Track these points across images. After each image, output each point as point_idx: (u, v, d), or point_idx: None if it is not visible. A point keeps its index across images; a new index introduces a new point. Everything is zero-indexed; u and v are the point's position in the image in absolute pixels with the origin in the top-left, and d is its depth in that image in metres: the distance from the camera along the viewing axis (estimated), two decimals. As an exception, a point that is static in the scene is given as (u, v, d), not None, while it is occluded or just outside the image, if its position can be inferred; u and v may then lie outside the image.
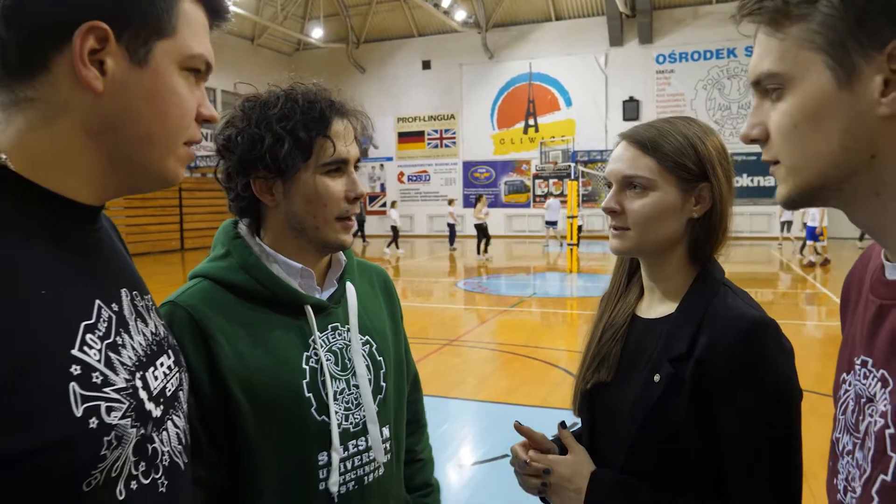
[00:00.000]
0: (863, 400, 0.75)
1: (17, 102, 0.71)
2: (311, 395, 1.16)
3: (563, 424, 1.28)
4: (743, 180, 21.09)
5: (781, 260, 15.57)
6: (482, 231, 16.77)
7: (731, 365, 1.05)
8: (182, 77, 0.77)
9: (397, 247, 18.88)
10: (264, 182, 1.17)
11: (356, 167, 1.22)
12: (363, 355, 1.25)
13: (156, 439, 0.77)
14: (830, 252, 14.55)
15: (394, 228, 19.03)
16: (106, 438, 0.67)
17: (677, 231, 1.17)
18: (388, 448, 1.27)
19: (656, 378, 1.11)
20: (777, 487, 1.04)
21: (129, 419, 0.71)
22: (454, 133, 25.15)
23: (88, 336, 0.69)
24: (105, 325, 0.73)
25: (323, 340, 1.20)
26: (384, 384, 1.28)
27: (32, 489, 0.62)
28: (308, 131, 1.13)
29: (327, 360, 1.19)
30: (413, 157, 25.77)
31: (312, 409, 1.16)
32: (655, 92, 22.40)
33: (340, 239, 1.20)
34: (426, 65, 25.30)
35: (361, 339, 1.26)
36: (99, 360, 0.70)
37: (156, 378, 0.80)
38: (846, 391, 0.80)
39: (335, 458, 1.16)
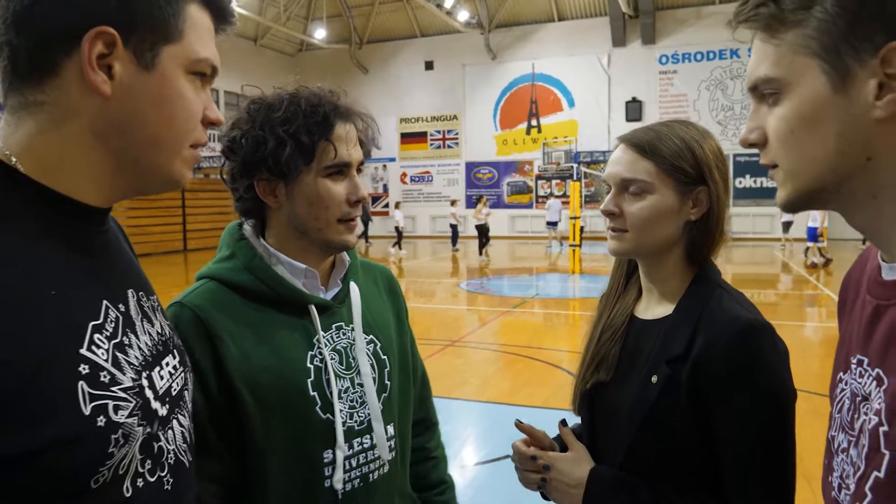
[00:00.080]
0: (858, 398, 0.75)
1: (27, 106, 0.73)
2: (315, 393, 1.18)
3: (563, 422, 1.30)
4: (746, 181, 21.09)
5: (784, 261, 15.55)
6: (482, 232, 16.81)
7: (727, 367, 1.06)
8: (188, 81, 0.79)
9: (400, 247, 18.90)
10: (267, 184, 1.18)
11: (359, 170, 1.24)
12: (367, 354, 1.26)
13: (161, 438, 0.78)
14: (833, 253, 14.53)
15: (397, 229, 19.05)
16: (113, 436, 0.69)
17: (675, 233, 1.18)
18: (393, 446, 1.28)
19: (654, 379, 1.13)
20: (771, 486, 1.06)
21: (136, 418, 0.72)
22: (457, 134, 25.16)
23: (96, 336, 0.71)
24: (112, 325, 0.74)
25: (327, 339, 1.22)
26: (388, 382, 1.29)
27: (42, 485, 0.63)
28: (310, 135, 1.15)
29: (331, 359, 1.21)
30: (416, 158, 25.78)
31: (317, 408, 1.17)
32: (658, 93, 22.38)
33: (344, 239, 1.22)
34: (429, 65, 25.31)
35: (366, 338, 1.28)
36: (106, 360, 0.71)
37: (161, 377, 0.81)
38: (842, 390, 0.81)
39: (340, 455, 1.18)
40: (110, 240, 0.83)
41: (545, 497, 1.28)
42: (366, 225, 20.74)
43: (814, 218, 13.54)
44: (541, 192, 23.97)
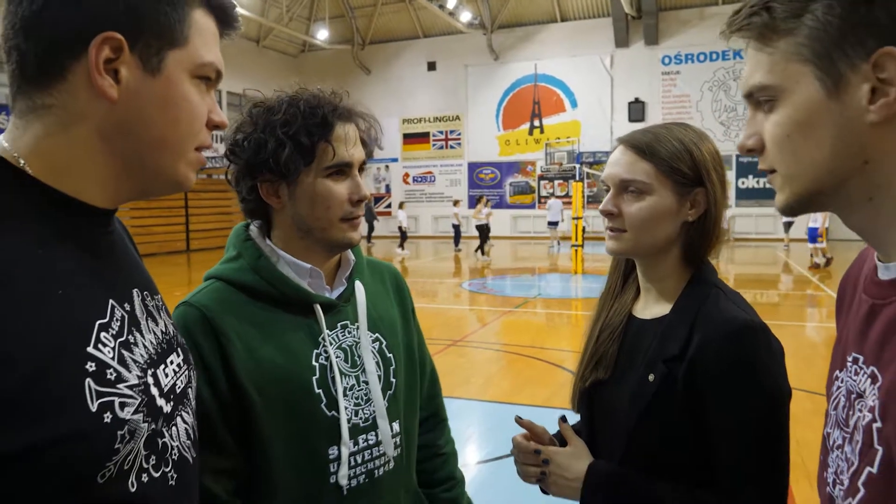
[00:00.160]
0: (853, 395, 0.77)
1: (35, 109, 0.74)
2: (320, 391, 1.19)
3: (563, 419, 1.32)
4: (749, 182, 21.05)
5: (787, 261, 15.53)
6: (482, 232, 16.85)
7: (722, 366, 1.08)
8: (193, 85, 0.80)
9: (402, 248, 18.92)
10: (270, 185, 1.21)
11: (362, 169, 1.25)
12: (373, 352, 1.28)
13: (166, 434, 0.80)
14: (836, 254, 14.52)
15: (401, 229, 19.06)
16: (119, 432, 0.70)
17: (672, 234, 1.20)
18: (399, 442, 1.30)
19: (651, 377, 1.15)
20: (765, 483, 1.08)
21: (141, 414, 0.74)
22: (459, 134, 25.16)
23: (103, 334, 0.72)
24: (118, 323, 0.76)
25: (332, 338, 1.24)
26: (394, 380, 1.31)
27: (50, 480, 0.64)
28: (310, 136, 1.17)
29: (337, 357, 1.23)
30: (418, 159, 25.78)
31: (322, 405, 1.19)
32: (661, 93, 22.35)
33: (348, 237, 1.24)
34: (431, 66, 25.31)
35: (371, 336, 1.29)
36: (113, 358, 0.72)
37: (166, 375, 0.83)
38: (838, 387, 0.82)
39: (345, 451, 1.19)
40: (115, 240, 0.85)
41: (544, 491, 1.30)
42: (370, 225, 20.78)
43: (814, 219, 13.54)
44: (543, 193, 23.94)
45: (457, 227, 19.15)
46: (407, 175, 25.98)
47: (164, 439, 0.79)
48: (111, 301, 0.76)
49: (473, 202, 22.07)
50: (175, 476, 0.81)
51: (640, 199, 1.19)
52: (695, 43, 21.57)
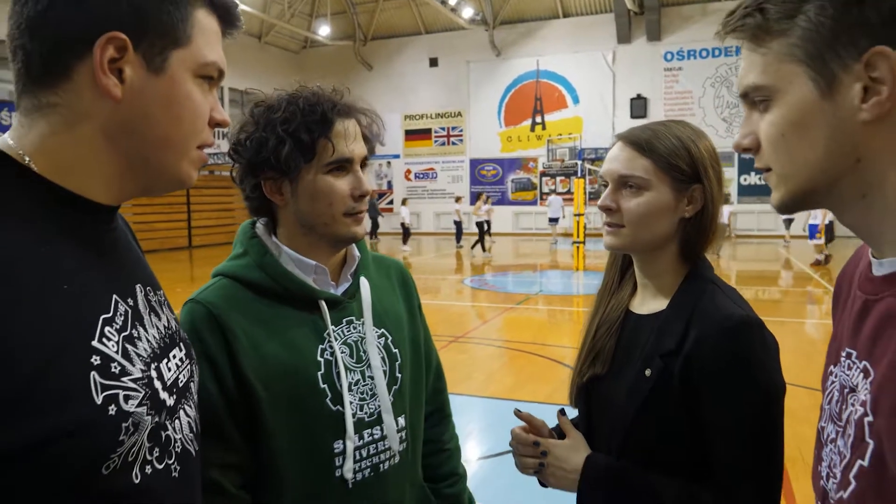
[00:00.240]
0: (846, 390, 0.78)
1: (41, 108, 0.75)
2: (325, 386, 1.21)
3: (562, 411, 1.33)
4: (751, 178, 21.01)
5: (788, 258, 15.52)
6: (481, 228, 16.88)
7: (717, 362, 1.09)
8: (196, 84, 0.81)
9: (405, 244, 18.94)
10: (273, 183, 1.22)
11: (364, 165, 1.27)
12: (378, 347, 1.30)
13: (169, 427, 0.81)
14: (838, 250, 14.50)
15: (404, 226, 19.07)
16: (124, 424, 0.71)
17: (669, 230, 1.21)
18: (404, 437, 1.31)
19: (648, 372, 1.16)
20: (760, 478, 1.09)
21: (145, 407, 0.75)
22: (461, 130, 25.14)
23: (107, 329, 0.73)
24: (122, 318, 0.77)
25: (337, 334, 1.25)
26: (399, 375, 1.32)
27: (57, 471, 0.66)
28: (310, 133, 1.18)
29: (342, 352, 1.24)
30: (420, 155, 25.77)
31: (327, 400, 1.21)
32: (663, 89, 22.31)
33: (352, 231, 1.25)
34: (433, 62, 25.28)
35: (377, 331, 1.31)
36: (117, 352, 0.74)
37: (169, 369, 0.84)
38: (832, 382, 0.83)
39: (350, 446, 1.21)
40: (119, 237, 0.86)
41: (542, 483, 1.31)
42: (374, 221, 20.78)
43: (814, 216, 13.53)
44: (545, 189, 23.94)
45: (458, 224, 19.17)
46: (409, 171, 25.97)
47: (167, 432, 0.80)
48: (115, 296, 0.77)
49: (475, 199, 22.09)
50: (178, 468, 0.82)
51: (638, 195, 1.20)
52: (697, 39, 21.51)
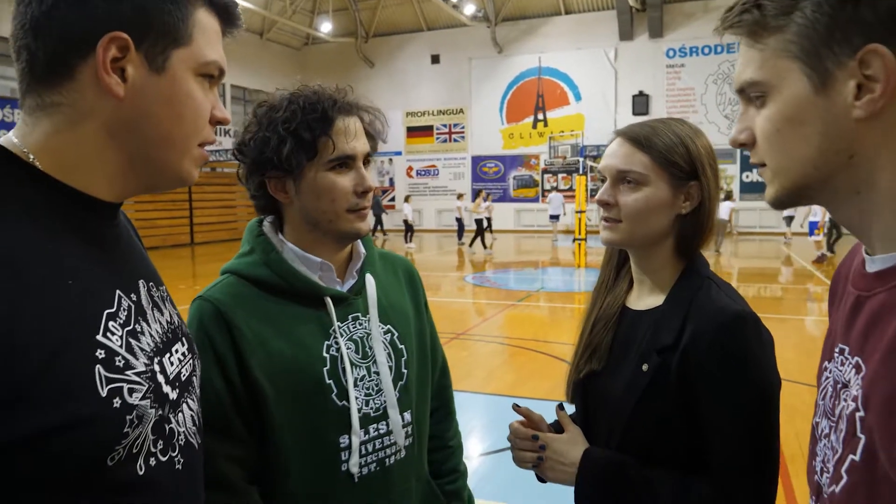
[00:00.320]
0: (839, 385, 0.79)
1: (44, 107, 0.76)
2: (331, 381, 1.23)
3: (560, 406, 1.35)
4: (753, 175, 20.97)
5: (790, 255, 15.51)
6: (480, 225, 16.91)
7: (713, 356, 1.10)
8: (197, 82, 0.82)
9: (405, 241, 18.94)
10: (277, 181, 1.24)
11: (367, 161, 1.28)
12: (384, 343, 1.31)
13: (172, 420, 0.82)
14: (839, 248, 14.50)
15: (406, 223, 19.08)
16: (128, 417, 0.73)
17: (666, 226, 1.22)
18: (410, 432, 1.33)
19: (644, 367, 1.17)
20: (756, 473, 1.10)
21: (149, 400, 0.77)
22: (463, 128, 25.13)
23: (111, 323, 0.75)
24: (125, 313, 0.78)
25: (343, 330, 1.27)
26: (405, 371, 1.34)
27: (64, 462, 0.67)
28: (311, 131, 1.20)
29: (348, 348, 1.26)
30: (422, 152, 25.76)
31: (333, 395, 1.22)
32: (665, 86, 22.28)
33: (356, 227, 1.26)
34: (435, 59, 25.25)
35: (383, 328, 1.32)
36: (121, 346, 0.75)
37: (171, 363, 0.85)
38: (826, 378, 0.84)
39: (355, 440, 1.22)
40: (121, 233, 0.87)
41: (539, 478, 1.32)
42: (378, 218, 20.79)
43: (814, 213, 13.51)
44: (547, 186, 23.91)
45: (460, 221, 19.17)
46: (410, 168, 25.97)
47: (170, 425, 0.82)
48: (118, 291, 0.79)
49: (476, 196, 22.09)
50: (181, 460, 0.84)
51: (636, 190, 1.20)
52: (699, 36, 21.47)
